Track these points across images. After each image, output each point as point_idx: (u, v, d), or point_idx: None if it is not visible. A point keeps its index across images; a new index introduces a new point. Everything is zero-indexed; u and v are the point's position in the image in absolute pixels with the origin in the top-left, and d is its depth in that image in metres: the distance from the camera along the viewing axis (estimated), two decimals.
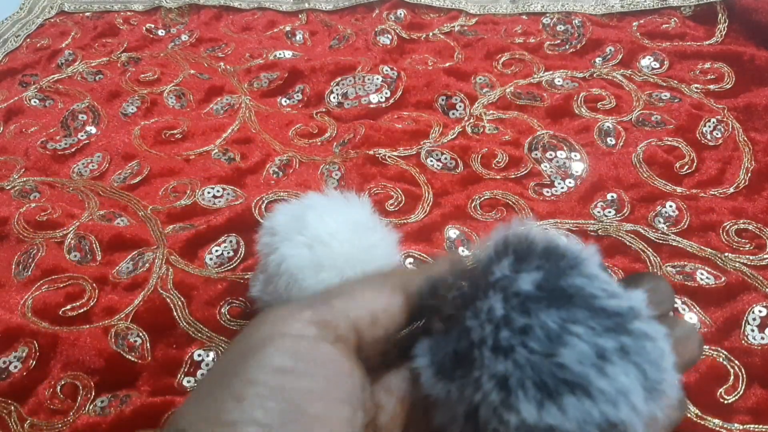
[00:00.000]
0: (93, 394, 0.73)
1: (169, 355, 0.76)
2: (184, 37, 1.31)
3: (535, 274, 0.30)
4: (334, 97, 1.13)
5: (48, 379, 0.74)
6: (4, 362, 0.76)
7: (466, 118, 1.06)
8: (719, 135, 0.99)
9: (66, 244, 0.89)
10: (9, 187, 0.99)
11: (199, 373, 0.74)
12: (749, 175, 0.93)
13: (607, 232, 0.86)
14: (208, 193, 0.96)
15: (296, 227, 0.65)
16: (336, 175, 0.98)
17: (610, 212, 0.90)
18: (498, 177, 0.96)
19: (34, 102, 1.16)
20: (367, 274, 0.39)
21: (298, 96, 1.15)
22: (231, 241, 0.88)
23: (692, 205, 0.89)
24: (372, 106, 1.10)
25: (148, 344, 0.78)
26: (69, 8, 1.41)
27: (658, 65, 1.13)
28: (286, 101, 1.15)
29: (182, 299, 0.82)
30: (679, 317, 0.76)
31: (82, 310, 0.81)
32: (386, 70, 1.15)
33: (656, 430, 0.30)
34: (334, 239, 0.64)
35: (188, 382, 0.74)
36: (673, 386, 0.30)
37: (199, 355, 0.76)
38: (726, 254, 0.82)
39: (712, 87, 1.08)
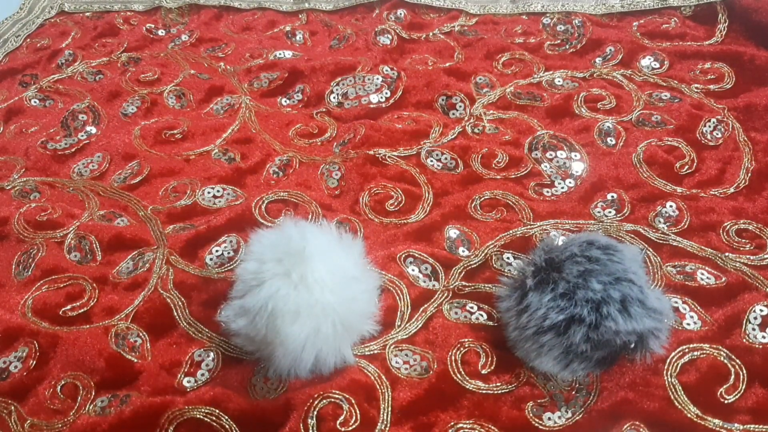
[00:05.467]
0: (93, 394, 0.73)
1: (170, 355, 0.76)
2: (184, 37, 1.31)
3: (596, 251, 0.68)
4: (334, 97, 1.13)
5: (48, 379, 0.74)
6: (4, 362, 0.76)
7: (466, 118, 1.06)
8: (719, 135, 0.99)
9: (66, 244, 0.89)
10: (9, 187, 0.99)
11: (198, 373, 0.75)
12: (749, 174, 0.93)
13: (607, 233, 0.86)
14: (208, 193, 0.96)
15: (287, 262, 0.67)
16: (336, 175, 0.98)
17: (610, 212, 0.90)
18: (498, 177, 0.96)
19: (34, 102, 1.16)
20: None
21: (298, 96, 1.15)
22: (231, 241, 0.88)
23: (692, 205, 0.89)
24: (372, 106, 1.10)
25: (148, 344, 0.77)
26: (69, 8, 1.41)
27: (658, 65, 1.13)
28: (286, 101, 1.15)
29: (182, 299, 0.82)
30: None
31: (82, 310, 0.81)
32: (386, 70, 1.15)
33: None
34: (318, 285, 0.66)
35: (188, 382, 0.74)
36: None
37: (200, 356, 0.76)
38: (726, 254, 0.82)
39: (712, 87, 1.07)
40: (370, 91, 1.12)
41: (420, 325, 0.77)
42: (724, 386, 0.70)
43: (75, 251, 0.88)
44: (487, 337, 0.75)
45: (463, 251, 0.86)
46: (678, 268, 0.82)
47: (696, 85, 1.08)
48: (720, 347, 0.73)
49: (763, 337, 0.74)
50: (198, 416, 0.69)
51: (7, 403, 0.72)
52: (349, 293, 0.68)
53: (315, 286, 0.66)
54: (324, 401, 0.69)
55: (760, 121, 1.01)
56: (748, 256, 0.82)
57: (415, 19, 1.30)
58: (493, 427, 0.68)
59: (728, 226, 0.86)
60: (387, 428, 0.68)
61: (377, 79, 1.13)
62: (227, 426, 0.69)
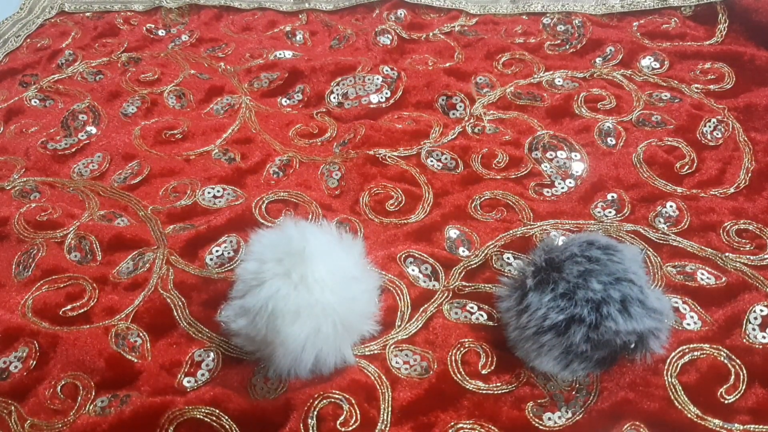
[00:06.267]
0: (93, 394, 0.73)
1: (170, 355, 0.76)
2: (184, 37, 1.31)
3: (596, 251, 0.68)
4: (334, 97, 1.13)
5: (48, 379, 0.74)
6: (5, 362, 0.76)
7: (466, 118, 1.06)
8: (719, 135, 0.99)
9: (66, 244, 0.89)
10: (9, 187, 0.99)
11: (199, 373, 0.75)
12: (749, 175, 0.93)
13: (607, 233, 0.86)
14: (209, 193, 0.96)
15: (287, 262, 0.67)
16: (336, 175, 0.98)
17: (610, 212, 0.90)
18: (498, 177, 0.96)
19: (35, 102, 1.16)
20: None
21: (298, 96, 1.15)
22: (231, 242, 0.88)
23: (692, 205, 0.89)
24: (372, 106, 1.10)
25: (148, 344, 0.77)
26: (69, 8, 1.41)
27: (658, 65, 1.13)
28: (286, 101, 1.15)
29: (182, 299, 0.82)
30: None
31: (82, 310, 0.81)
32: (386, 70, 1.15)
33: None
34: (318, 285, 0.66)
35: (188, 382, 0.74)
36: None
37: (200, 356, 0.76)
38: (726, 254, 0.82)
39: (712, 87, 1.07)
40: (370, 91, 1.12)
41: (420, 325, 0.77)
42: (724, 386, 0.70)
43: (75, 251, 0.88)
44: (487, 337, 0.75)
45: (463, 251, 0.86)
46: (678, 268, 0.82)
47: (696, 85, 1.08)
48: (720, 347, 0.73)
49: (763, 337, 0.74)
50: (198, 416, 0.69)
51: (7, 403, 0.72)
52: (349, 293, 0.68)
53: (315, 286, 0.66)
54: (324, 401, 0.69)
55: (760, 121, 1.01)
56: (748, 256, 0.82)
57: (415, 19, 1.30)
58: (493, 428, 0.68)
59: (728, 226, 0.86)
60: (387, 428, 0.68)
61: (377, 79, 1.13)
62: (227, 426, 0.69)
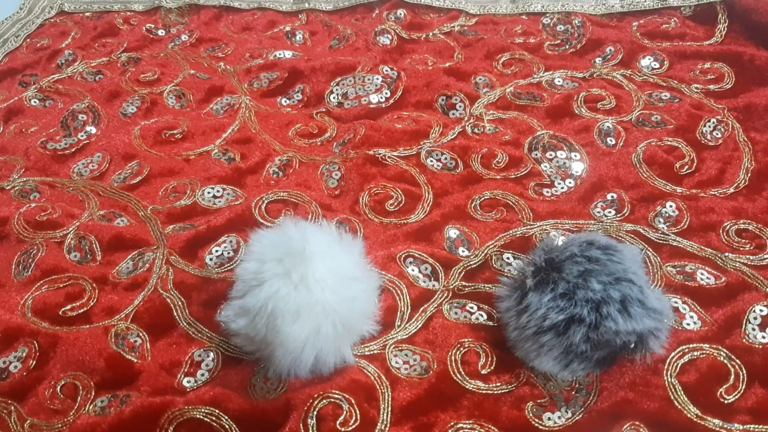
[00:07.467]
0: (93, 394, 0.73)
1: (169, 355, 0.76)
2: (184, 37, 1.31)
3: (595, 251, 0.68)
4: (334, 97, 1.13)
5: (48, 379, 0.74)
6: (4, 362, 0.76)
7: (466, 118, 1.06)
8: (719, 135, 0.99)
9: (66, 244, 0.89)
10: (9, 187, 0.99)
11: (198, 373, 0.75)
12: (749, 175, 0.93)
13: (607, 233, 0.86)
14: (208, 193, 0.96)
15: (287, 262, 0.67)
16: (336, 175, 0.98)
17: (610, 212, 0.90)
18: (498, 177, 0.96)
19: (34, 102, 1.16)
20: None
21: (298, 96, 1.15)
22: (231, 242, 0.88)
23: (692, 205, 0.89)
24: (372, 106, 1.10)
25: (148, 344, 0.77)
26: (69, 8, 1.41)
27: (658, 65, 1.13)
28: (286, 101, 1.15)
29: (182, 299, 0.82)
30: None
31: (82, 310, 0.81)
32: (386, 70, 1.15)
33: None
34: (318, 285, 0.66)
35: (188, 382, 0.74)
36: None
37: (200, 356, 0.76)
38: (726, 254, 0.82)
39: (712, 87, 1.07)
40: (370, 91, 1.12)
41: (420, 325, 0.77)
42: (724, 386, 0.70)
43: (75, 251, 0.88)
44: (487, 337, 0.75)
45: (463, 251, 0.86)
46: (678, 268, 0.82)
47: (696, 85, 1.08)
48: (720, 347, 0.73)
49: (763, 337, 0.74)
50: (198, 416, 0.69)
51: (7, 403, 0.72)
52: (349, 293, 0.68)
53: (315, 286, 0.66)
54: (324, 401, 0.69)
55: (760, 121, 1.01)
56: (748, 256, 0.82)
57: (414, 19, 1.30)
58: (493, 428, 0.68)
59: (728, 226, 0.86)
60: (387, 428, 0.68)
61: (377, 79, 1.13)
62: (227, 426, 0.69)
